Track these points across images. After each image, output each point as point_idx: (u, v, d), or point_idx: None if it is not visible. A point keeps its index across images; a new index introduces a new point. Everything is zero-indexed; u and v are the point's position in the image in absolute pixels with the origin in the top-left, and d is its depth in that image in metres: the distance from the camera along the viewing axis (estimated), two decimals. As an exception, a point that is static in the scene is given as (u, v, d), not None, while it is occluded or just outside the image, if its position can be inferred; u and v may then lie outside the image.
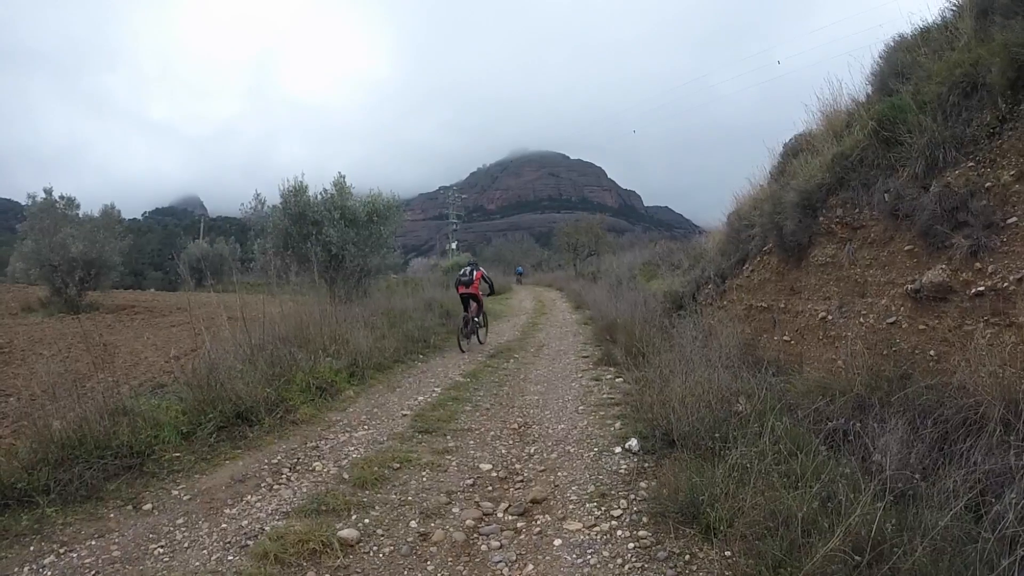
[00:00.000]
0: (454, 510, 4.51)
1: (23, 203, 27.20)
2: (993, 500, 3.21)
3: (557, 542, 3.98)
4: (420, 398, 8.12)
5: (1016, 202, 4.64)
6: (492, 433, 6.45)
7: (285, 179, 17.47)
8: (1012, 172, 4.70)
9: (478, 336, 13.58)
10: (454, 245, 67.08)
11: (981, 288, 4.77)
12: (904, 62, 6.86)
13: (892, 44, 7.64)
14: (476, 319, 13.36)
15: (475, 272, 13.17)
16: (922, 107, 5.63)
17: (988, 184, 4.89)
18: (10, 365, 11.07)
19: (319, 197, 17.51)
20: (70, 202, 26.95)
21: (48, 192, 26.03)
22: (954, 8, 6.54)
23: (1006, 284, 4.57)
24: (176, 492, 4.88)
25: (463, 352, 12.31)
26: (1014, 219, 4.61)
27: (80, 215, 26.93)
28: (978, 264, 4.85)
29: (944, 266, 5.15)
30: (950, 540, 2.94)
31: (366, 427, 6.71)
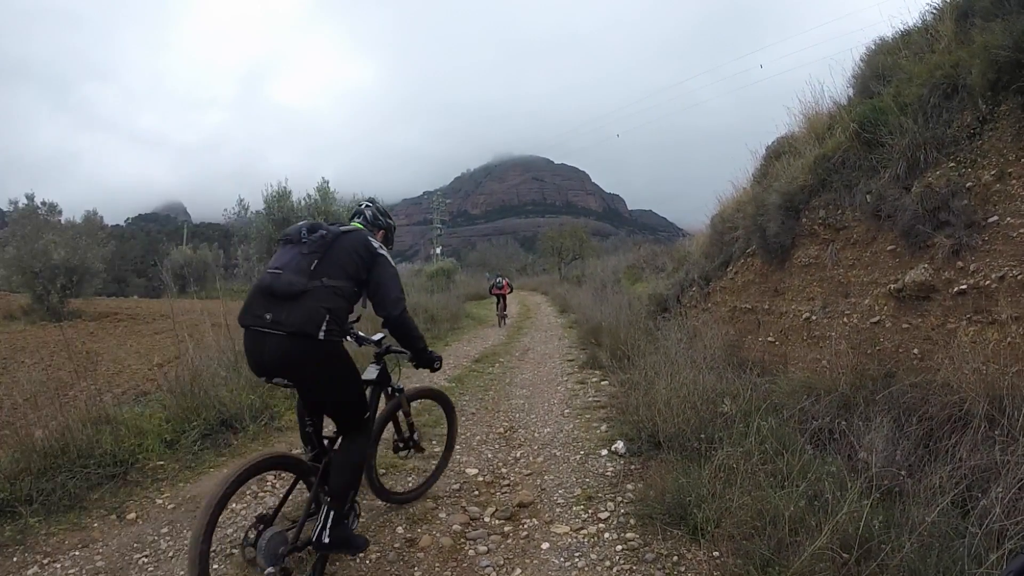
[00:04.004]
0: (441, 515, 4.48)
1: (4, 209, 26.96)
2: (979, 495, 3.24)
3: (545, 546, 3.96)
4: (406, 403, 8.07)
5: (997, 201, 4.69)
6: (478, 438, 6.42)
7: (268, 184, 17.41)
8: (993, 172, 4.75)
9: (505, 319, 19.76)
10: (438, 250, 66.87)
11: (963, 286, 4.81)
12: (885, 65, 6.93)
13: (873, 47, 7.71)
14: (505, 312, 20.00)
15: (503, 280, 20.74)
16: (903, 109, 5.68)
17: (969, 184, 4.94)
18: (-10, 374, 10.92)
19: (303, 202, 17.44)
20: (52, 208, 26.69)
21: (30, 198, 25.75)
22: (934, 11, 6.61)
23: (988, 282, 4.61)
24: (160, 501, 4.82)
25: (500, 328, 18.69)
26: (995, 218, 4.66)
27: (62, 221, 26.66)
28: (960, 263, 4.89)
29: (926, 265, 5.19)
30: (937, 536, 2.96)
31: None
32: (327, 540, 3.23)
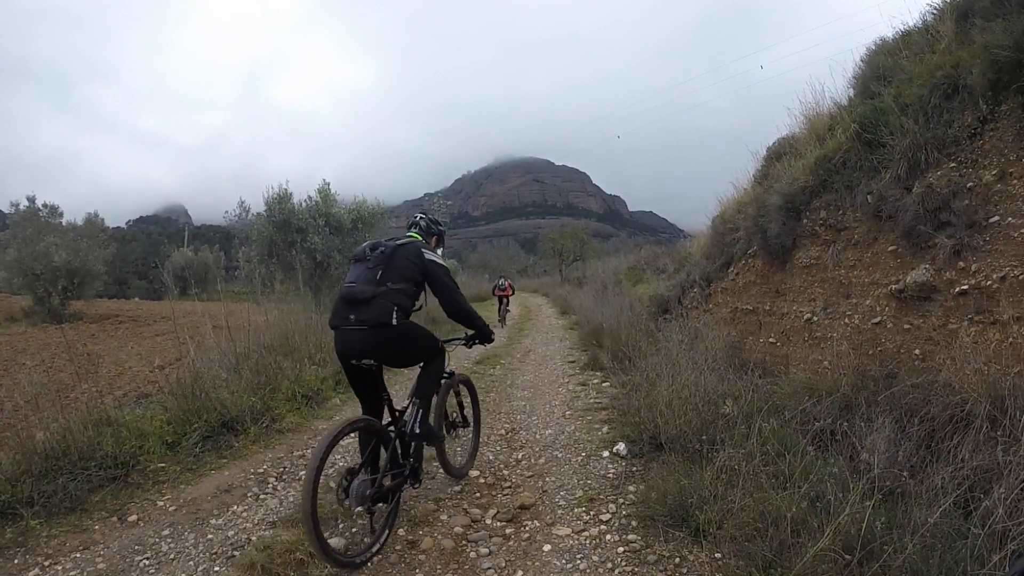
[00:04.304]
0: (442, 517, 4.48)
1: (5, 211, 27.07)
2: (982, 496, 3.23)
3: (546, 548, 3.95)
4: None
5: (998, 201, 4.69)
6: (479, 440, 6.42)
7: (269, 186, 17.43)
8: (994, 172, 4.74)
9: (506, 318, 20.29)
10: (439, 251, 66.96)
11: (965, 287, 4.81)
12: (886, 65, 6.92)
13: (874, 48, 7.71)
14: (507, 309, 20.83)
15: (506, 282, 21.25)
16: (904, 109, 5.67)
17: (970, 184, 4.93)
18: (-8, 376, 10.93)
19: (304, 204, 17.45)
20: (53, 210, 26.76)
21: (31, 200, 25.82)
22: (934, 11, 6.61)
23: (989, 282, 4.60)
24: (161, 503, 4.82)
25: (501, 328, 18.40)
26: (996, 218, 4.65)
27: (63, 223, 26.73)
28: (961, 263, 4.88)
29: (928, 266, 5.18)
30: (940, 537, 2.95)
31: (353, 435, 6.65)
32: (417, 431, 4.30)
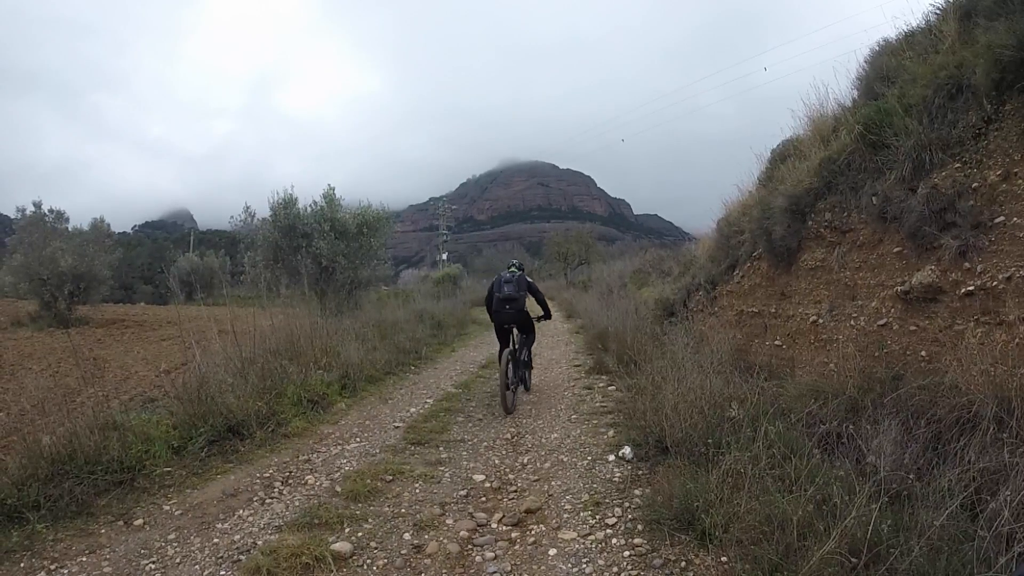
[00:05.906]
0: (448, 522, 4.48)
1: (12, 217, 27.18)
2: (988, 498, 3.21)
3: (552, 552, 3.95)
4: (412, 409, 8.09)
5: (1003, 201, 4.67)
6: (485, 444, 6.42)
7: (275, 192, 17.44)
8: (998, 172, 4.73)
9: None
10: (444, 256, 66.92)
11: (971, 288, 4.79)
12: (889, 66, 6.90)
13: (877, 48, 7.68)
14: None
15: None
16: (908, 110, 5.66)
17: (975, 184, 4.91)
18: (-1, 381, 10.97)
19: (309, 210, 17.44)
20: (59, 216, 26.85)
21: (37, 206, 25.91)
22: (937, 11, 6.58)
23: (995, 283, 4.58)
24: (167, 507, 4.83)
25: None
26: (1001, 218, 4.63)
27: (69, 229, 26.81)
28: (967, 264, 4.87)
29: (933, 267, 5.16)
30: (947, 539, 2.94)
31: (358, 439, 6.68)
32: (528, 386, 9.06)
